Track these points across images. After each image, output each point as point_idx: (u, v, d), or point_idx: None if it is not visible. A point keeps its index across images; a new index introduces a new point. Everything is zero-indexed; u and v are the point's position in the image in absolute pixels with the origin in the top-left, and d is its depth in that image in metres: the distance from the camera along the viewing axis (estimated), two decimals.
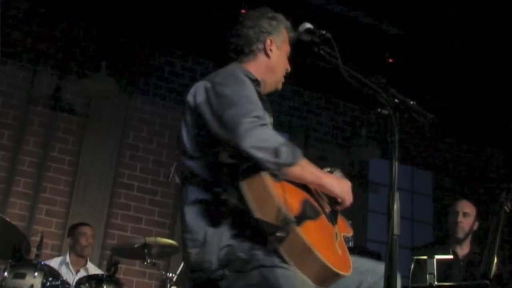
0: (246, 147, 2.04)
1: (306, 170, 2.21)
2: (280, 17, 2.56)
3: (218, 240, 2.15)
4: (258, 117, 2.09)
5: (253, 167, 2.10)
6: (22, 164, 6.40)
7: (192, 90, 2.33)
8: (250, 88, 2.25)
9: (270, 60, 2.51)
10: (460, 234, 4.51)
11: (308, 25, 2.37)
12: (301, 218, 2.08)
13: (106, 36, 6.76)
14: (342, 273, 2.11)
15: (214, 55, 7.10)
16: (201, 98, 2.25)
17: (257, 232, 2.10)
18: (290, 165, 2.12)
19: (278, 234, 2.04)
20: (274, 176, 2.12)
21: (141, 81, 7.09)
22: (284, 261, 2.07)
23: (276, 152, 2.07)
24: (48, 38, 6.71)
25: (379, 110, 2.15)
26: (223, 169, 2.20)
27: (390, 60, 6.66)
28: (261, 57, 2.50)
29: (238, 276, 2.13)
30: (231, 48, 2.52)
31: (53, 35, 6.73)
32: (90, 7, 6.37)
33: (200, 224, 2.20)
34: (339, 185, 2.32)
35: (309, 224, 2.11)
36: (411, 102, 2.16)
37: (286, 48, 2.57)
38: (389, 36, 6.40)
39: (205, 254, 2.16)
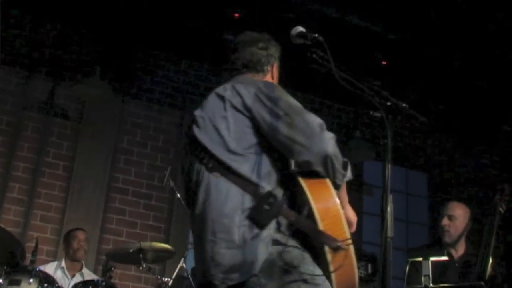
0: (330, 153, 2.18)
1: (345, 189, 2.33)
2: (278, 46, 2.64)
3: (259, 244, 2.11)
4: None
5: (311, 171, 2.20)
6: (16, 170, 6.38)
7: (229, 91, 2.34)
8: None
9: (273, 82, 2.58)
10: (446, 238, 4.39)
11: (300, 29, 2.39)
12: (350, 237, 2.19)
13: (100, 41, 6.76)
14: None
15: (207, 58, 7.11)
16: (251, 100, 2.28)
17: (304, 241, 2.14)
18: (348, 180, 2.26)
19: (338, 247, 2.11)
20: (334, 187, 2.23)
21: (135, 86, 7.07)
22: (326, 273, 2.12)
23: (345, 165, 2.23)
24: (42, 43, 6.70)
25: (372, 112, 2.18)
26: (272, 170, 2.23)
27: (384, 63, 6.68)
28: (269, 77, 2.57)
29: (274, 285, 2.10)
30: (241, 63, 2.55)
31: (46, 40, 6.72)
32: (83, 12, 6.36)
33: (239, 224, 2.14)
34: (352, 211, 2.40)
35: None
36: (404, 105, 2.18)
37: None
38: (382, 39, 6.41)
39: (245, 256, 2.11)
